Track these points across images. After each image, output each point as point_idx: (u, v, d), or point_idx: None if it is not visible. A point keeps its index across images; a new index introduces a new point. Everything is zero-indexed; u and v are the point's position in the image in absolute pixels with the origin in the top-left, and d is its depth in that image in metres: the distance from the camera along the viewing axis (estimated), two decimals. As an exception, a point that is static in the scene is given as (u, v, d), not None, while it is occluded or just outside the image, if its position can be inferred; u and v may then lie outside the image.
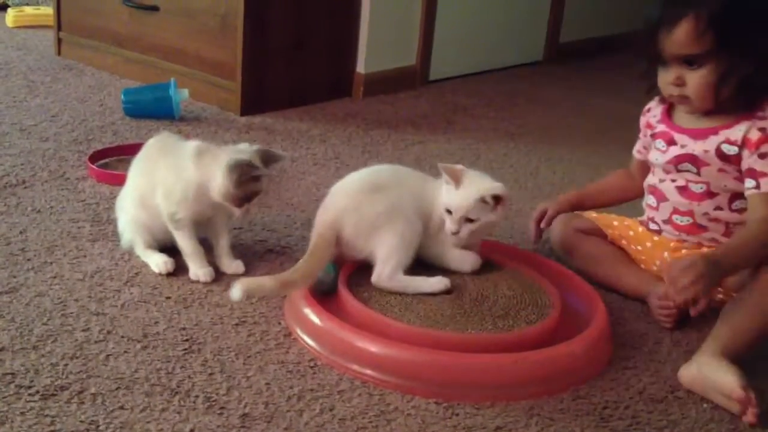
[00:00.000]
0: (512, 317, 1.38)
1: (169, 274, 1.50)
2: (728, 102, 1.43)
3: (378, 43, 2.79)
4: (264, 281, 1.36)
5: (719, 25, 1.36)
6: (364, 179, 1.51)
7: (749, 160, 1.41)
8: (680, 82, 1.43)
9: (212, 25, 2.47)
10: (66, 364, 1.22)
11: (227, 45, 2.45)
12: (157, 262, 1.51)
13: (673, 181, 1.50)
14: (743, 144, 1.41)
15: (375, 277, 1.43)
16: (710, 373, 1.25)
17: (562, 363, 1.29)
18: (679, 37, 1.39)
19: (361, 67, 2.78)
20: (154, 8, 2.61)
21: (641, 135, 1.60)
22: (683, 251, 1.50)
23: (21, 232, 1.61)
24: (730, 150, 1.42)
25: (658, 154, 1.52)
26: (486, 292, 1.45)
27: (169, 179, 1.49)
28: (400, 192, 1.47)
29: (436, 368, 1.24)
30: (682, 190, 1.49)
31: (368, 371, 1.26)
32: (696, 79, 1.41)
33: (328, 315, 1.32)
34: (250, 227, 1.73)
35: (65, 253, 1.55)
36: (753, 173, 1.41)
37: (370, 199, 1.45)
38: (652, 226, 1.56)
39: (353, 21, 2.73)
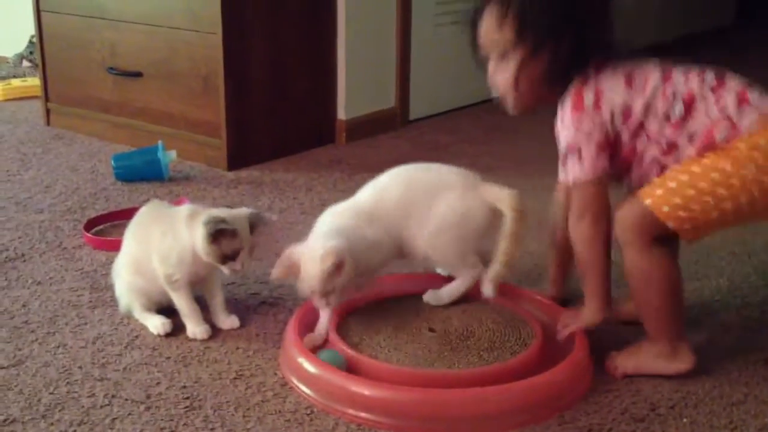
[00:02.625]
0: (497, 350, 1.45)
1: (167, 335, 1.56)
2: (551, 95, 1.39)
3: (357, 88, 2.89)
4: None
5: (518, 13, 1.34)
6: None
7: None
8: (492, 82, 1.40)
9: (195, 87, 2.56)
10: (74, 431, 1.28)
11: (210, 105, 2.54)
12: (155, 324, 1.58)
13: None
14: None
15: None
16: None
17: (546, 390, 1.35)
18: (485, 28, 1.37)
19: (342, 114, 2.87)
20: (138, 74, 2.71)
21: None
22: None
23: (23, 305, 1.68)
24: None
25: None
26: (471, 328, 1.52)
27: (164, 244, 1.56)
28: None
29: (426, 405, 1.30)
30: None
31: (363, 414, 1.32)
32: (501, 75, 1.38)
33: (322, 362, 1.39)
34: (243, 281, 1.80)
35: (67, 322, 1.62)
36: None
37: None
38: None
39: (331, 70, 2.83)
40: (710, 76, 1.33)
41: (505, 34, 1.35)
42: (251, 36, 2.54)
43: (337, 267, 1.41)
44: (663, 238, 1.34)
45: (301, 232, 2.08)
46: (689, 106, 1.31)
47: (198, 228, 1.51)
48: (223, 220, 1.50)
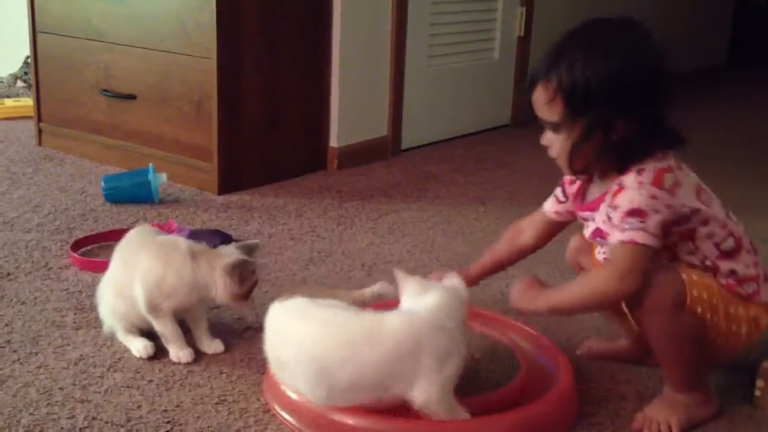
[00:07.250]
0: (482, 380, 1.44)
1: (150, 358, 1.55)
2: (608, 165, 1.37)
3: (349, 116, 2.90)
4: None
5: (567, 96, 1.31)
6: None
7: (612, 215, 1.34)
8: (548, 144, 1.39)
9: (188, 111, 2.57)
10: (52, 453, 1.27)
11: (203, 129, 2.54)
12: (138, 347, 1.56)
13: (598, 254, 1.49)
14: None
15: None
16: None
17: (529, 423, 1.34)
18: (535, 101, 1.36)
19: (334, 141, 2.88)
20: (131, 96, 2.71)
21: (562, 197, 1.53)
22: None
23: (6, 324, 1.67)
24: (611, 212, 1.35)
25: (585, 229, 1.47)
26: (456, 358, 1.51)
27: (155, 271, 1.53)
28: None
29: (409, 436, 1.29)
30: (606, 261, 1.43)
31: (345, 443, 1.31)
32: (557, 143, 1.37)
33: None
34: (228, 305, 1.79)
35: (50, 343, 1.60)
36: (603, 231, 1.36)
37: None
38: None
39: (324, 97, 2.84)
40: (747, 241, 1.41)
41: (554, 113, 1.34)
42: (245, 61, 2.55)
43: None
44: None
45: (289, 258, 2.09)
46: (737, 247, 1.38)
47: (217, 275, 1.53)
48: (248, 261, 1.54)
